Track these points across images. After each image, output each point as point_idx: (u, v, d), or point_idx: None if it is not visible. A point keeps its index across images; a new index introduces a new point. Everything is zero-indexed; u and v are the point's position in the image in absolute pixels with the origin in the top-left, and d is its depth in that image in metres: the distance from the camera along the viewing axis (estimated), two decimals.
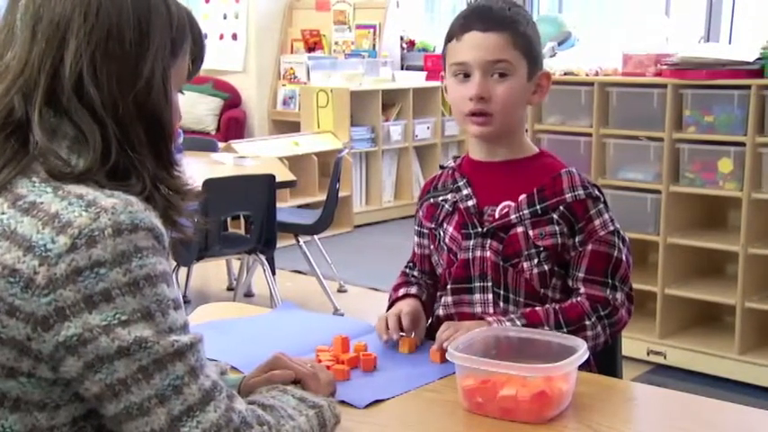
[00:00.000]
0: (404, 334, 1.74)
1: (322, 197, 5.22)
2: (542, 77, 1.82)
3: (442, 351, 1.62)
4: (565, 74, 3.99)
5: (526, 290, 1.76)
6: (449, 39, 1.81)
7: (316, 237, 5.03)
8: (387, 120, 6.87)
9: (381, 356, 1.68)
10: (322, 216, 4.77)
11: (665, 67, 3.73)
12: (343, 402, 1.45)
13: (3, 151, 1.13)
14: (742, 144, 3.55)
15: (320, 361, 1.61)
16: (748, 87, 3.50)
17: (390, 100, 6.93)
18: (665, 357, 3.87)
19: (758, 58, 3.51)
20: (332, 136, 6.51)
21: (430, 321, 1.87)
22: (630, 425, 1.49)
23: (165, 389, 1.09)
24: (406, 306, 1.79)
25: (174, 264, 4.14)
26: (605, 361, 1.89)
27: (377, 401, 1.50)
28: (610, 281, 1.76)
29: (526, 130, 4.05)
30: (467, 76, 1.77)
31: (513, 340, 1.58)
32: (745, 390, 3.62)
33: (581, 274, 1.75)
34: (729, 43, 5.22)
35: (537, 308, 1.73)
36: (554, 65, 4.03)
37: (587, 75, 3.94)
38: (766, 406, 1.64)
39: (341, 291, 5.08)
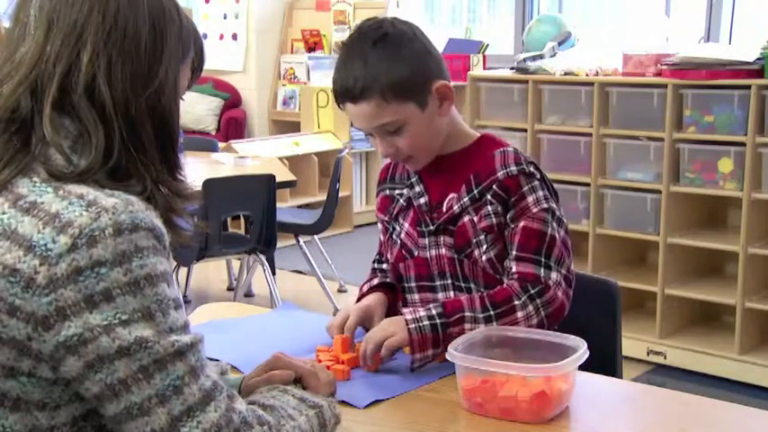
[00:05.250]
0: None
1: (322, 197, 5.22)
2: (440, 89, 1.72)
3: (372, 365, 1.63)
4: (565, 74, 3.99)
5: (484, 279, 1.74)
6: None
7: (316, 237, 5.04)
8: None
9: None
10: (322, 216, 4.78)
11: (665, 67, 3.73)
12: (343, 402, 1.45)
13: (5, 150, 1.14)
14: (742, 144, 3.56)
15: (320, 361, 1.62)
16: (748, 87, 3.50)
17: None
18: (665, 357, 3.87)
19: (758, 58, 3.51)
20: (332, 136, 6.51)
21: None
22: (630, 425, 1.49)
23: (166, 389, 1.09)
24: (353, 313, 1.76)
25: (175, 264, 4.14)
26: (605, 361, 1.89)
27: (377, 401, 1.51)
28: (543, 259, 1.69)
29: (526, 130, 4.06)
30: (371, 134, 1.75)
31: (513, 340, 1.58)
32: (745, 390, 3.62)
33: (513, 252, 1.70)
34: (729, 43, 5.22)
35: (461, 296, 1.70)
36: (554, 65, 4.03)
37: (587, 75, 3.94)
38: (766, 406, 1.65)
39: (341, 291, 5.08)
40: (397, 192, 1.86)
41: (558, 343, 1.54)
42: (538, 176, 1.75)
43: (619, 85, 3.88)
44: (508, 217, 1.72)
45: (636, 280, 3.92)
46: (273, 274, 4.43)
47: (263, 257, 4.26)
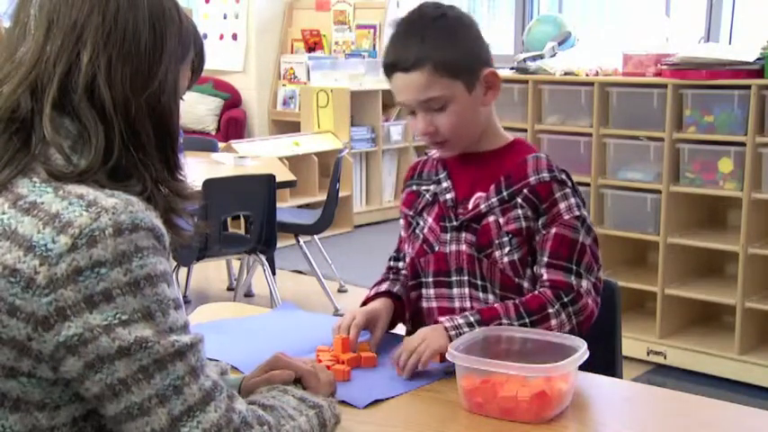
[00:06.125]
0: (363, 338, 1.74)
1: (322, 197, 5.23)
2: (488, 77, 1.76)
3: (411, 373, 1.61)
4: (565, 74, 3.99)
5: (501, 280, 1.75)
6: (385, 74, 1.79)
7: (316, 237, 5.04)
8: (387, 120, 6.87)
9: (381, 356, 1.68)
10: (322, 216, 4.78)
11: (665, 67, 3.73)
12: (343, 402, 1.45)
13: (5, 150, 1.14)
14: (742, 144, 3.56)
15: (320, 361, 1.62)
16: (748, 87, 3.50)
17: (390, 100, 6.92)
18: (665, 357, 3.87)
19: (758, 58, 3.51)
20: (332, 136, 6.51)
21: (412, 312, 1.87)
22: (630, 425, 1.49)
23: (166, 389, 1.09)
24: (359, 315, 1.76)
25: (174, 264, 4.14)
26: (605, 361, 1.89)
27: (377, 401, 1.51)
28: (574, 267, 1.71)
29: (526, 130, 4.07)
30: (412, 112, 1.76)
31: (514, 340, 1.58)
32: (745, 390, 3.62)
33: (545, 259, 1.72)
34: (729, 43, 5.22)
35: (495, 304, 1.70)
36: (554, 65, 4.03)
37: (587, 75, 3.94)
38: (766, 406, 1.65)
39: (341, 291, 5.08)
40: (423, 188, 1.87)
41: (558, 343, 1.54)
42: (569, 184, 1.76)
43: (619, 85, 3.87)
44: (540, 223, 1.73)
45: (636, 280, 3.92)
46: (273, 274, 4.43)
47: (263, 257, 4.26)
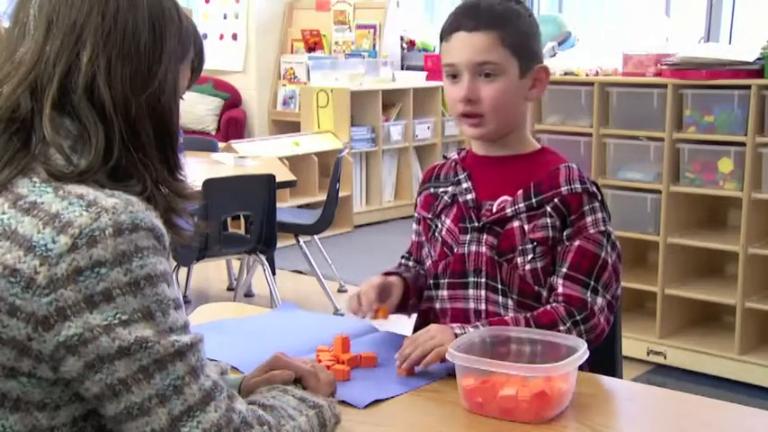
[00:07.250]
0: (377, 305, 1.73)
1: (322, 197, 5.23)
2: (540, 72, 1.78)
3: (410, 368, 1.60)
4: (565, 74, 3.99)
5: (520, 286, 1.74)
6: (441, 39, 1.81)
7: (316, 237, 5.04)
8: (387, 120, 6.87)
9: (381, 356, 1.68)
10: (322, 216, 4.78)
11: (665, 67, 3.73)
12: (343, 402, 1.45)
13: (5, 150, 1.14)
14: (742, 144, 3.56)
15: (320, 361, 1.62)
16: (748, 87, 3.50)
17: (390, 100, 6.93)
18: (665, 357, 3.87)
19: (758, 58, 3.51)
20: (332, 136, 6.51)
21: (420, 311, 1.87)
22: (630, 425, 1.49)
23: (166, 389, 1.09)
24: (374, 280, 1.75)
25: (174, 264, 4.14)
26: (605, 361, 1.88)
27: (377, 401, 1.50)
28: (592, 282, 1.69)
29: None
30: (456, 77, 1.76)
31: (513, 340, 1.58)
32: (745, 390, 3.62)
33: (563, 270, 1.70)
34: (729, 43, 5.22)
35: (506, 317, 1.69)
36: (554, 65, 4.03)
37: (587, 75, 3.94)
38: (766, 406, 1.65)
39: (341, 291, 5.08)
40: (441, 189, 1.86)
41: (558, 343, 1.54)
42: (599, 198, 1.75)
43: (619, 85, 3.87)
44: (564, 234, 1.72)
45: (636, 280, 3.92)
46: (273, 274, 4.43)
47: (263, 257, 4.26)
